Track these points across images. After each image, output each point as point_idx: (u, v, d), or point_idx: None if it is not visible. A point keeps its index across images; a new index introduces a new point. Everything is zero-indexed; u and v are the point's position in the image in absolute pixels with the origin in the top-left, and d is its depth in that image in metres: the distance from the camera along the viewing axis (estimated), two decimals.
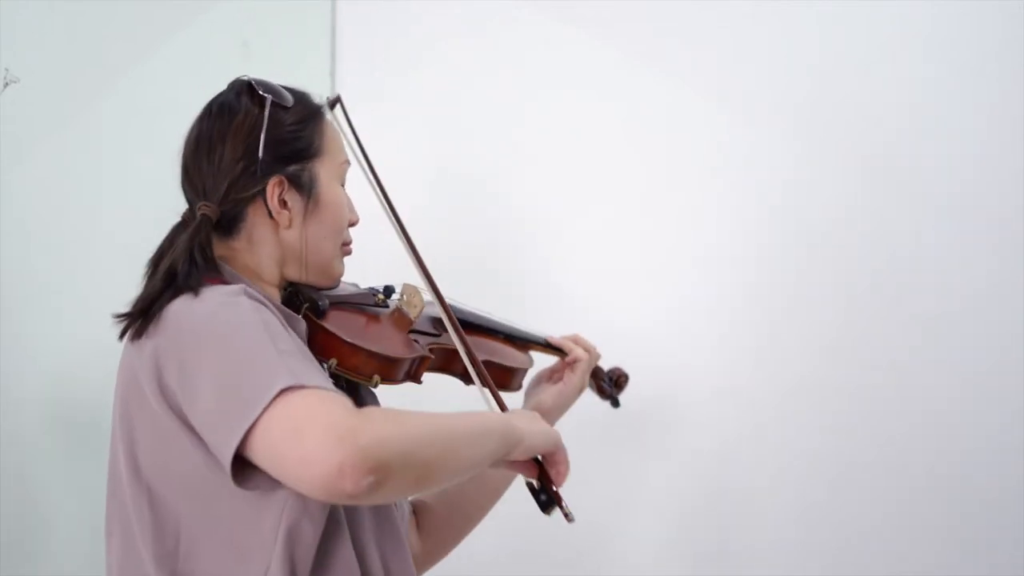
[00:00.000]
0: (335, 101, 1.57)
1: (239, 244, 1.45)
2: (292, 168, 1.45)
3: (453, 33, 2.53)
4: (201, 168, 1.46)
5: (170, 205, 2.32)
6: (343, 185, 1.53)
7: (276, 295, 1.48)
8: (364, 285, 1.67)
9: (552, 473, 1.43)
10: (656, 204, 2.40)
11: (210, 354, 1.26)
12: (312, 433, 1.16)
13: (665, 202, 2.39)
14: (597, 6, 2.42)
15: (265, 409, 1.18)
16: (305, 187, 1.46)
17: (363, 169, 1.57)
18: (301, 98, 1.52)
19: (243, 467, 1.23)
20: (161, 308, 1.32)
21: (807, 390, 2.28)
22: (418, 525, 1.74)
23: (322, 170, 1.48)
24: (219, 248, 1.45)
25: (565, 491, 1.42)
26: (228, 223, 1.45)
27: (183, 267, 1.35)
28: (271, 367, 1.21)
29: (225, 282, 1.39)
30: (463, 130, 2.49)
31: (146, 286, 1.38)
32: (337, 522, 1.36)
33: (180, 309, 1.31)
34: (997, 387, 2.17)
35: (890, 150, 2.24)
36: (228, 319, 1.28)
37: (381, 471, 1.16)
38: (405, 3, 2.56)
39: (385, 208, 1.57)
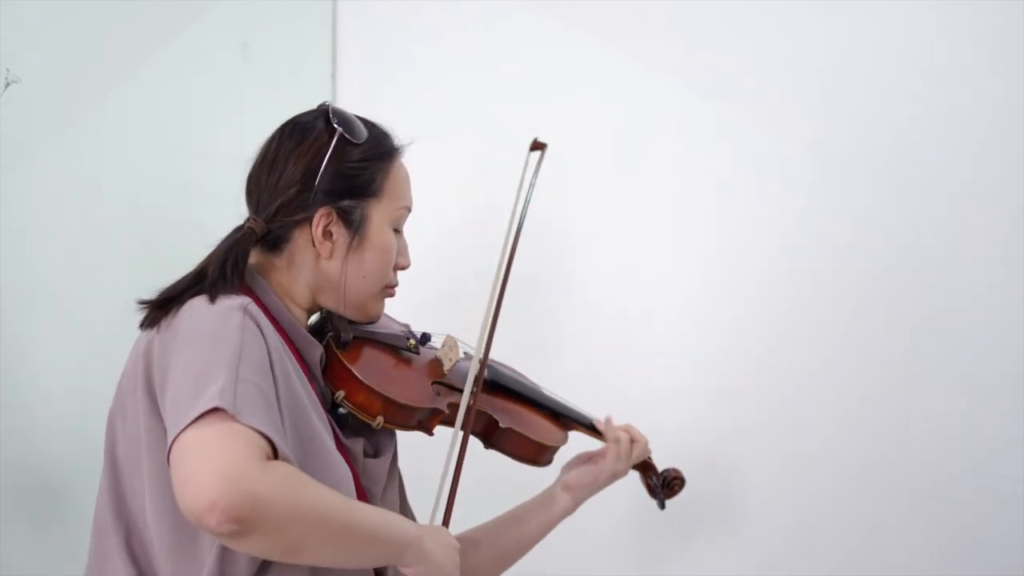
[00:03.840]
0: (540, 146, 1.62)
1: (280, 262, 1.49)
2: (345, 203, 1.47)
3: (454, 33, 2.53)
4: (260, 182, 1.49)
5: (170, 205, 2.33)
6: (399, 230, 1.55)
7: (303, 317, 1.51)
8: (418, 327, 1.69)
9: None
10: (661, 204, 2.39)
11: (183, 356, 1.30)
12: (207, 460, 1.18)
13: (671, 203, 2.39)
14: (601, 6, 2.41)
15: (193, 421, 1.21)
16: (354, 224, 1.48)
17: (512, 221, 1.60)
18: (376, 136, 1.53)
19: None
20: (180, 304, 1.36)
21: (813, 392, 2.28)
22: None
23: (376, 211, 1.50)
24: (259, 260, 1.49)
25: None
26: (274, 240, 1.48)
27: (212, 273, 1.39)
28: (220, 386, 1.23)
29: (251, 295, 1.42)
30: (464, 131, 2.48)
31: (176, 281, 1.42)
32: None
33: (186, 311, 1.35)
34: (1001, 389, 2.17)
35: (899, 152, 2.24)
36: (212, 329, 1.31)
37: (247, 524, 1.17)
38: (406, 3, 2.56)
39: (502, 262, 1.60)
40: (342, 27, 2.61)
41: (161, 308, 1.38)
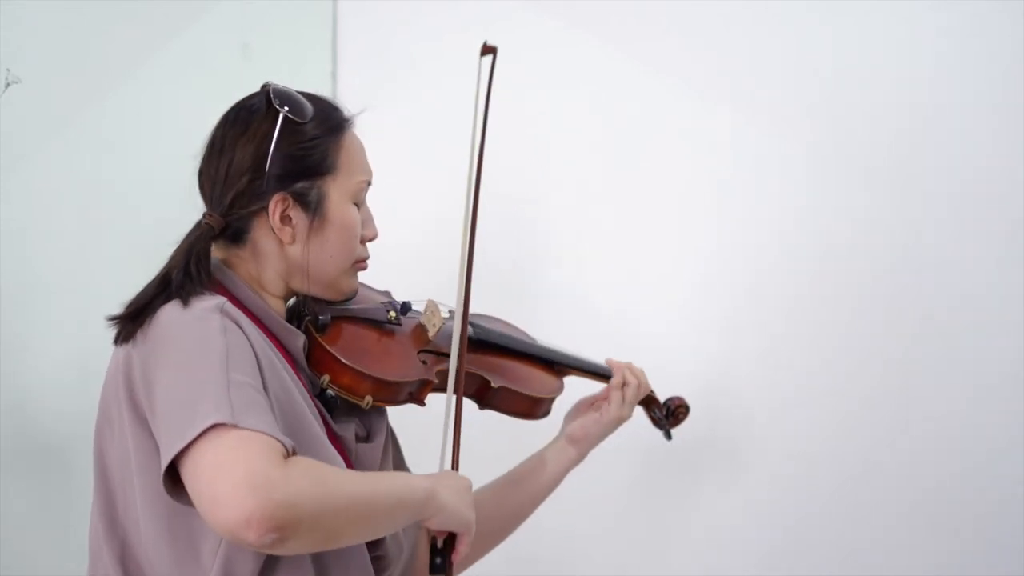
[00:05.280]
0: (490, 49, 1.54)
1: (244, 254, 1.45)
2: (299, 185, 1.43)
3: (454, 33, 2.52)
4: (211, 174, 1.45)
5: (171, 205, 2.32)
6: (360, 204, 1.50)
7: (279, 305, 1.48)
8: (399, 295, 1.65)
9: (455, 547, 1.44)
10: (660, 204, 2.39)
11: (168, 368, 1.27)
12: (229, 477, 1.16)
13: (670, 203, 2.39)
14: (602, 6, 2.41)
15: (195, 440, 1.18)
16: (311, 205, 1.44)
17: (472, 136, 1.54)
18: (324, 110, 1.48)
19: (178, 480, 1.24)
20: (152, 313, 1.33)
21: (813, 391, 2.28)
22: None
23: (333, 188, 1.45)
24: (224, 254, 1.45)
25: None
26: (234, 232, 1.44)
27: (177, 276, 1.36)
28: (213, 397, 1.21)
29: (224, 291, 1.40)
30: (465, 131, 2.48)
31: (141, 290, 1.38)
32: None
33: (162, 319, 1.32)
34: (1001, 390, 2.16)
35: (898, 152, 2.24)
36: (193, 336, 1.29)
37: (287, 530, 1.16)
38: (406, 3, 2.56)
39: (469, 193, 1.55)
40: (342, 27, 2.60)
41: (133, 321, 1.34)
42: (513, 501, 1.75)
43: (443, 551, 1.45)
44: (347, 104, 1.52)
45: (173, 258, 1.39)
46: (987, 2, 2.18)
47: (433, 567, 1.46)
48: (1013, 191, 2.17)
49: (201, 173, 1.47)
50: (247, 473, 1.16)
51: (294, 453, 1.23)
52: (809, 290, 2.29)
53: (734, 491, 2.33)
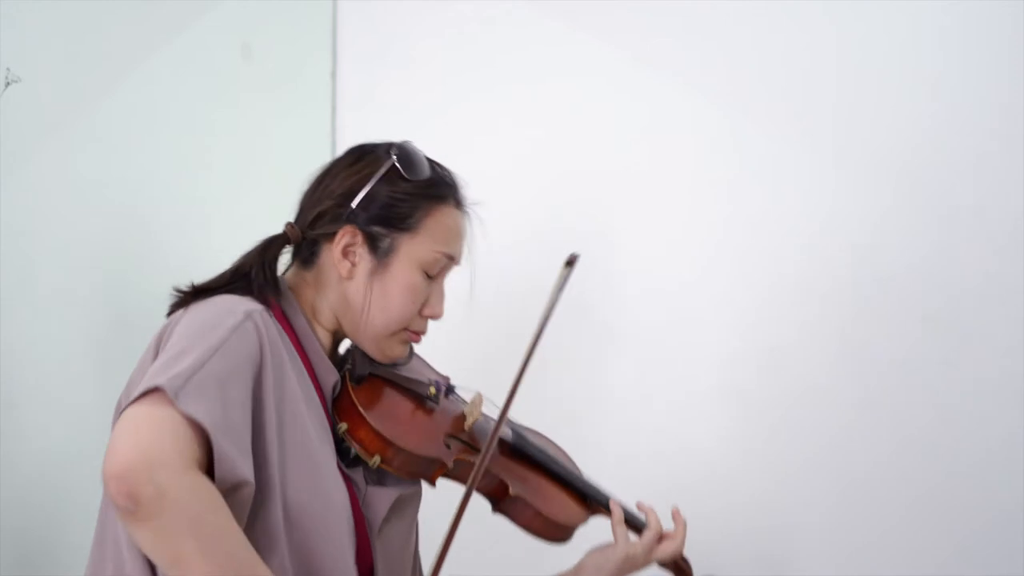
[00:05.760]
0: (572, 259, 1.52)
1: (310, 277, 1.49)
2: (375, 229, 1.46)
3: (454, 33, 2.53)
4: (311, 188, 1.51)
5: (171, 205, 2.33)
6: (433, 277, 1.50)
7: (327, 339, 1.50)
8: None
9: None
10: (662, 204, 2.39)
11: (179, 334, 1.31)
12: (136, 436, 1.17)
13: (671, 203, 2.39)
14: (604, 6, 2.41)
15: (139, 397, 1.20)
16: (379, 252, 1.46)
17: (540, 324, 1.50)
18: (438, 179, 1.51)
19: None
20: (212, 296, 1.38)
21: (815, 393, 2.28)
22: None
23: (406, 247, 1.47)
24: (294, 275, 1.50)
25: None
26: (307, 254, 1.49)
27: (257, 273, 1.41)
28: (180, 372, 1.22)
29: (278, 310, 1.43)
30: (465, 131, 2.48)
31: (215, 277, 1.43)
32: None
33: (208, 299, 1.37)
34: (1004, 390, 2.16)
35: (902, 155, 2.24)
36: (212, 319, 1.32)
37: (143, 510, 1.14)
38: (406, 3, 2.56)
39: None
40: (342, 27, 2.61)
41: (196, 296, 1.40)
42: None
43: None
44: (469, 187, 1.55)
45: (248, 256, 1.45)
46: (991, 3, 2.19)
47: None
48: (1013, 191, 2.17)
49: (306, 187, 1.52)
50: (151, 443, 1.17)
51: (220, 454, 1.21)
52: (817, 292, 2.29)
53: (736, 492, 2.33)
